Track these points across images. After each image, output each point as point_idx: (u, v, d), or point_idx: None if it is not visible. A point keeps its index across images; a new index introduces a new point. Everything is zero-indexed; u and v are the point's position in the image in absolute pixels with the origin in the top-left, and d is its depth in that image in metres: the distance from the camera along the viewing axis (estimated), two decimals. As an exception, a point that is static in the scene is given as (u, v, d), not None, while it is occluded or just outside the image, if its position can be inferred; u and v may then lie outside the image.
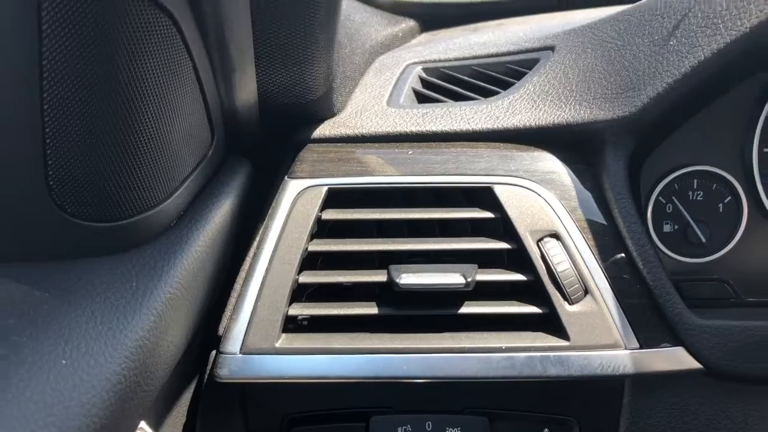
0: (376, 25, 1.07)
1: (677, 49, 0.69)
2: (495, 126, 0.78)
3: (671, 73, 0.68)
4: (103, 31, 0.45)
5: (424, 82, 0.91)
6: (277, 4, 0.60)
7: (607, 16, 0.81)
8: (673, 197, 0.78)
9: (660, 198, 0.78)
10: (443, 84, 0.89)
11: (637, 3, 0.78)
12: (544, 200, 0.73)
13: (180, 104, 0.56)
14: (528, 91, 0.80)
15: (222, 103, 0.66)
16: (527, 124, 0.77)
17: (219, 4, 0.54)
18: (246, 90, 0.67)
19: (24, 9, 0.42)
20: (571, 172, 0.75)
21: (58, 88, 0.45)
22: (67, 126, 0.47)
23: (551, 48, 0.85)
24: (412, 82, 0.90)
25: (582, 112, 0.75)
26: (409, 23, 1.19)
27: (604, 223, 0.73)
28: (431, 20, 1.24)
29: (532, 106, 0.79)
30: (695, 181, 0.78)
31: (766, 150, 0.76)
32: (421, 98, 0.88)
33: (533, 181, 0.74)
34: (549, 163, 0.76)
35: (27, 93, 0.45)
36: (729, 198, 0.78)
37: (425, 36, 1.22)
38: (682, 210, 0.78)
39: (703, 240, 0.78)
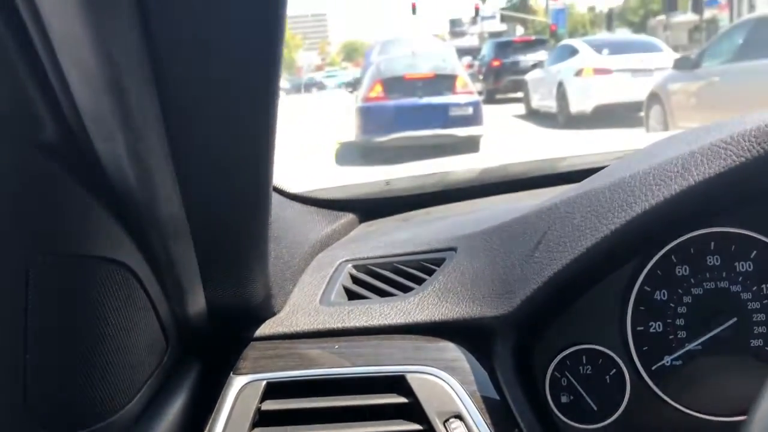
0: (317, 226, 1.26)
1: (540, 261, 0.87)
2: (407, 321, 0.94)
3: (536, 281, 0.85)
4: (77, 292, 0.60)
5: (354, 278, 1.08)
6: (220, 244, 0.77)
7: (496, 225, 1.00)
8: (566, 372, 0.92)
9: (555, 373, 0.92)
10: (369, 280, 1.06)
11: (517, 216, 0.98)
12: (448, 385, 0.86)
13: (138, 329, 0.71)
14: (435, 289, 0.97)
15: (176, 319, 0.80)
16: (432, 318, 0.93)
17: (170, 252, 0.70)
18: (195, 305, 0.82)
19: (13, 282, 0.57)
20: (471, 359, 0.90)
21: (36, 337, 0.59)
22: (43, 363, 0.61)
23: (454, 249, 1.03)
24: (343, 279, 1.06)
25: (474, 308, 0.91)
26: (348, 217, 1.38)
27: (499, 402, 0.87)
28: (368, 212, 1.44)
29: (437, 302, 0.95)
30: (583, 356, 0.92)
31: (639, 329, 0.91)
32: (351, 294, 1.04)
33: (439, 369, 0.88)
34: (452, 352, 0.91)
35: (11, 340, 0.59)
36: (614, 370, 0.92)
37: (362, 227, 1.41)
38: (575, 383, 0.92)
39: (595, 408, 0.91)
